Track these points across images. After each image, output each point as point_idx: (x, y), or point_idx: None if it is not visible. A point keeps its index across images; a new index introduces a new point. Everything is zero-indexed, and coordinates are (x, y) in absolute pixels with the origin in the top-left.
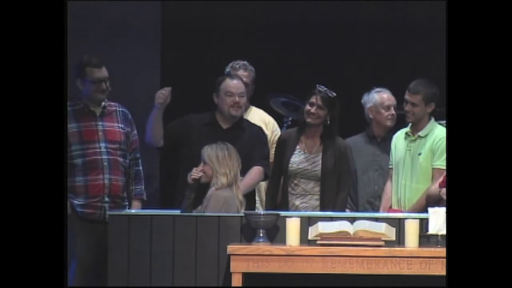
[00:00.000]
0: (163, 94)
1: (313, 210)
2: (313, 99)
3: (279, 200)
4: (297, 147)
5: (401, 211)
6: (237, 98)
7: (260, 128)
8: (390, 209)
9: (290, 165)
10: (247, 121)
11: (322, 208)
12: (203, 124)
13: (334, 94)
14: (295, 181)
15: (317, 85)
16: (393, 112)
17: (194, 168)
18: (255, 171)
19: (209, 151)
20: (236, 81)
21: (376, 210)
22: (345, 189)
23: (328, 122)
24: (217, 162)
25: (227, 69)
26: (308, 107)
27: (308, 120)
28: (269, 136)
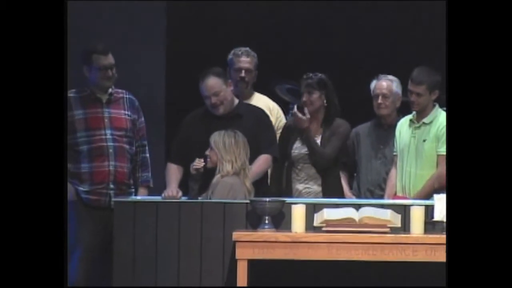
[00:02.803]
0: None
1: (315, 196)
2: (303, 89)
3: (283, 186)
4: None
5: (405, 198)
6: (213, 100)
7: (262, 111)
8: (394, 196)
9: (293, 151)
10: (247, 105)
11: (324, 192)
12: (199, 118)
13: (320, 74)
14: (299, 167)
15: (304, 75)
16: (380, 101)
17: (197, 159)
18: (263, 159)
19: (216, 138)
20: (208, 80)
21: (376, 198)
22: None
23: (325, 103)
24: (224, 149)
25: (230, 56)
26: (303, 98)
27: (309, 108)
28: (273, 122)
